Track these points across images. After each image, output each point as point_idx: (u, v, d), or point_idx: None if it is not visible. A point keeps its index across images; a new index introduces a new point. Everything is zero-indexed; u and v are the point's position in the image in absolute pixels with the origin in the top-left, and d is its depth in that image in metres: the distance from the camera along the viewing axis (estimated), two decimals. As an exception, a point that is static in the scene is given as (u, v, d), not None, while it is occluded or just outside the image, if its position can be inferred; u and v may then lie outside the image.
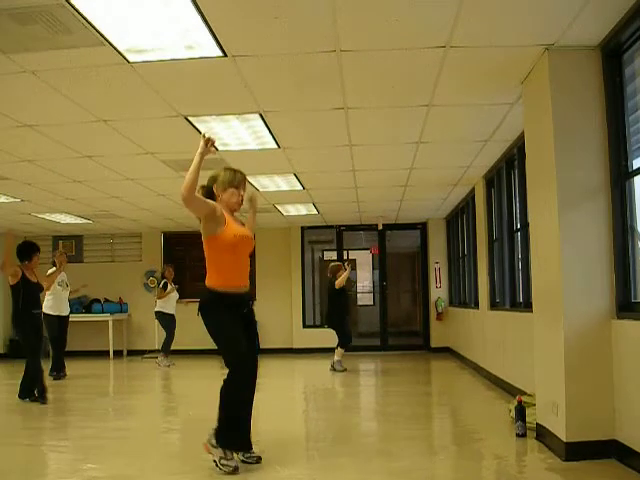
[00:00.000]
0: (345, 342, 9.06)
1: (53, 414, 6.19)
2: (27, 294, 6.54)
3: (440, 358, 10.90)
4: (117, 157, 6.38)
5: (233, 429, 3.79)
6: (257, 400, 4.02)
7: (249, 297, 4.01)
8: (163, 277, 10.31)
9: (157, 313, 10.16)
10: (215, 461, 3.72)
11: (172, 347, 10.17)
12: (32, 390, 6.48)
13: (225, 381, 3.77)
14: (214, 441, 3.75)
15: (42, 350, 6.75)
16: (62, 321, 8.40)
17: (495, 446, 4.47)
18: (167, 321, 10.08)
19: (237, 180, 3.95)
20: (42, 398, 6.42)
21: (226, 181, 3.93)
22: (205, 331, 3.84)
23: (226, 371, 3.79)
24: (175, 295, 10.25)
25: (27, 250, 6.73)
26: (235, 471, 3.69)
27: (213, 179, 3.98)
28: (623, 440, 3.62)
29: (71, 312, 11.49)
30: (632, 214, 3.78)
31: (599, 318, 3.82)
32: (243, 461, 3.90)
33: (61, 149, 5.92)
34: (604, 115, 3.89)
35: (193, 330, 3.92)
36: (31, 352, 6.52)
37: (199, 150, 3.66)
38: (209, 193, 3.94)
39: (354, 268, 13.51)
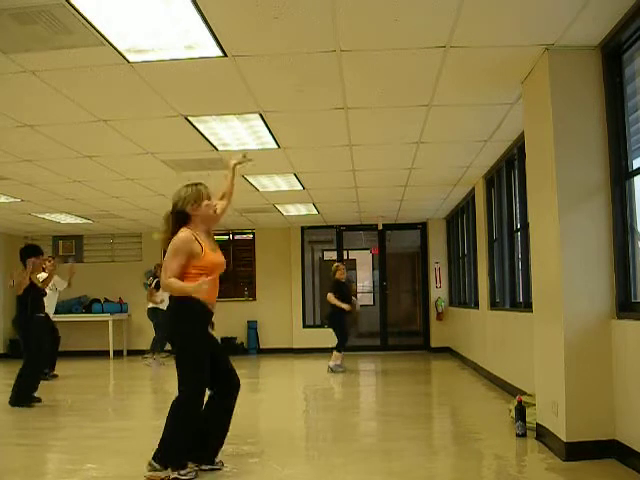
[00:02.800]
0: (341, 344, 9.03)
1: (53, 414, 6.18)
2: (34, 299, 6.49)
3: (440, 358, 10.90)
4: (117, 157, 6.38)
5: (185, 448, 3.63)
6: (257, 400, 4.04)
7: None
8: (155, 276, 10.32)
9: (150, 310, 10.16)
10: (175, 478, 3.55)
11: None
12: (28, 397, 6.38)
13: (180, 400, 3.64)
14: (159, 465, 3.54)
15: (42, 357, 6.72)
16: (48, 320, 8.29)
17: (495, 446, 4.47)
18: (160, 318, 10.06)
19: (205, 191, 3.84)
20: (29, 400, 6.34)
21: (195, 196, 3.79)
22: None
23: None
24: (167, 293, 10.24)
25: (30, 254, 6.69)
26: (196, 476, 3.63)
27: (177, 201, 3.84)
28: (623, 440, 3.63)
29: (71, 312, 11.65)
30: (632, 214, 3.78)
31: (599, 318, 3.82)
32: (212, 469, 3.79)
33: (61, 149, 5.92)
34: (604, 115, 3.89)
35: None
36: (28, 357, 6.42)
37: (195, 288, 3.57)
38: (183, 216, 3.79)
39: (354, 268, 13.50)
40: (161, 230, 3.87)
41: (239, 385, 3.93)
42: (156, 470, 3.56)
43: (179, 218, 3.80)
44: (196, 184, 3.87)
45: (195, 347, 3.68)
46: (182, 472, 3.59)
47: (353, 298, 9.21)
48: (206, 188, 3.87)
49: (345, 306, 8.85)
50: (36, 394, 6.47)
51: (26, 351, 6.44)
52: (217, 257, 3.83)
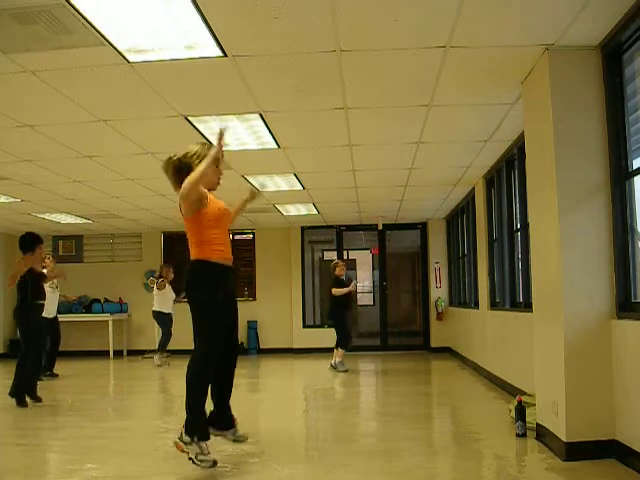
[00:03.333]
0: (344, 342, 9.03)
1: (52, 414, 6.18)
2: (33, 284, 6.47)
3: (440, 358, 10.90)
4: (117, 157, 6.38)
5: (204, 417, 3.79)
6: (257, 400, 4.05)
7: (234, 271, 4.01)
8: (160, 277, 10.30)
9: (154, 312, 10.18)
10: (192, 458, 3.65)
11: (174, 347, 10.16)
12: (27, 389, 6.38)
13: (193, 367, 3.74)
14: (187, 438, 3.67)
15: (41, 347, 6.70)
16: (51, 323, 8.28)
17: (495, 446, 4.47)
18: (164, 320, 10.09)
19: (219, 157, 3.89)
20: (24, 399, 6.33)
21: (205, 154, 3.77)
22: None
23: None
24: (172, 295, 10.23)
25: (30, 242, 6.65)
26: (214, 465, 3.67)
27: (192, 155, 3.79)
28: (623, 440, 3.63)
29: (71, 312, 11.65)
30: (632, 214, 3.78)
31: (599, 318, 3.82)
32: (235, 440, 4.07)
33: (61, 149, 5.92)
34: (604, 115, 3.89)
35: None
36: (27, 347, 6.39)
37: (215, 149, 3.67)
38: (186, 169, 3.74)
39: (354, 268, 13.50)
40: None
41: (237, 355, 4.10)
42: (182, 441, 3.68)
43: (181, 170, 3.77)
44: (210, 145, 3.89)
45: (212, 314, 3.73)
46: (200, 457, 3.63)
47: (353, 281, 9.37)
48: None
49: (350, 288, 9.01)
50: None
51: (25, 343, 6.43)
52: (221, 203, 3.91)
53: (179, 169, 3.81)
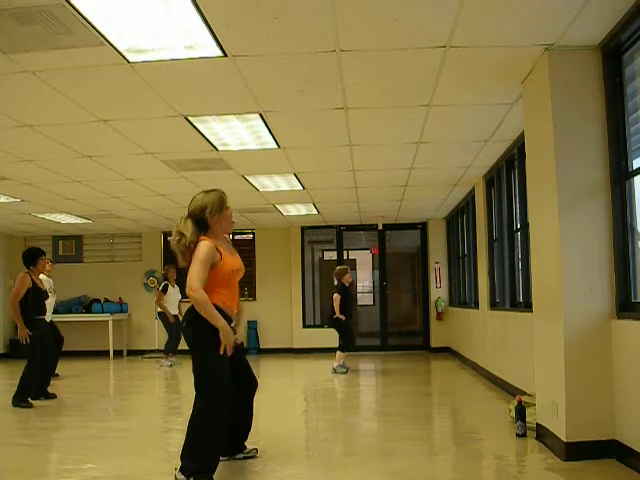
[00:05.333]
0: (347, 345, 9.02)
1: (53, 414, 6.18)
2: (34, 301, 6.48)
3: (440, 358, 10.90)
4: (117, 157, 6.38)
5: (216, 454, 3.57)
6: (257, 400, 4.05)
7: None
8: (165, 278, 10.24)
9: (160, 314, 10.13)
10: None
11: (181, 347, 10.10)
12: (27, 395, 6.40)
13: (199, 410, 3.51)
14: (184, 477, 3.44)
15: (50, 355, 6.79)
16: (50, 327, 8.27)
17: (495, 446, 4.47)
18: (169, 322, 10.01)
19: (225, 199, 3.78)
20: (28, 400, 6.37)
21: (220, 204, 3.71)
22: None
23: None
24: (177, 296, 10.16)
25: (32, 255, 6.68)
26: None
27: (202, 209, 3.68)
28: (623, 440, 3.63)
29: (71, 312, 11.66)
30: (632, 214, 3.79)
31: (599, 318, 3.82)
32: (245, 457, 4.04)
33: (61, 149, 5.92)
34: (604, 115, 3.89)
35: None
36: (32, 358, 6.47)
37: (223, 329, 3.49)
38: (201, 223, 3.68)
39: (354, 268, 13.51)
40: (179, 235, 3.67)
41: (256, 385, 4.05)
42: None
43: (200, 225, 3.68)
44: (214, 190, 3.78)
45: (213, 359, 3.53)
46: None
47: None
48: (224, 194, 3.80)
49: (340, 316, 8.87)
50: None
51: (30, 354, 6.48)
52: (235, 263, 3.78)
53: (198, 226, 3.66)
